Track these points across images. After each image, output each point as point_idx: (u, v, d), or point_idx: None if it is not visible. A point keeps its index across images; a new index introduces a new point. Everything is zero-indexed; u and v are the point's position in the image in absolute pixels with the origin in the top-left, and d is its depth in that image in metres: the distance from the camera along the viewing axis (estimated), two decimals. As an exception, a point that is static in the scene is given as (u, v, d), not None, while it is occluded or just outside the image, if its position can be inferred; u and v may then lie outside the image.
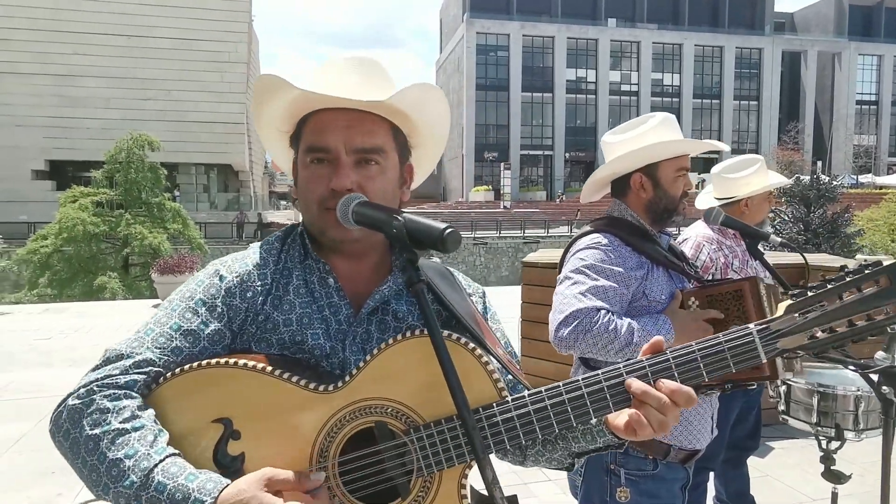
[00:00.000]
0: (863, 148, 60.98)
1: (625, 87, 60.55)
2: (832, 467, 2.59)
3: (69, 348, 7.61)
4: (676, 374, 0.93)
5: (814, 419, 2.56)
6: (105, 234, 18.36)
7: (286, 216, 47.62)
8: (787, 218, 16.88)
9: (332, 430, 0.99)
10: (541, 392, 0.95)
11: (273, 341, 1.07)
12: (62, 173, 36.59)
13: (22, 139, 36.58)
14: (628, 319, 1.75)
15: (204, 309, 1.06)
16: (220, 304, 1.07)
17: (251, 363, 1.00)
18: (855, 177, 52.15)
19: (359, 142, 1.07)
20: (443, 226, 0.88)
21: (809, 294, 0.90)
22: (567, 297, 1.78)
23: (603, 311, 1.75)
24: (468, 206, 46.40)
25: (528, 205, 46.33)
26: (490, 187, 51.25)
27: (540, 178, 59.78)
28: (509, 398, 0.96)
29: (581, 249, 1.87)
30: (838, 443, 2.55)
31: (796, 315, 0.91)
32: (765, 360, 0.93)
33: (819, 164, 50.28)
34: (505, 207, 44.62)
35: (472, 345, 0.97)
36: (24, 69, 36.71)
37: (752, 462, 4.01)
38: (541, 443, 1.11)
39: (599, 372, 0.95)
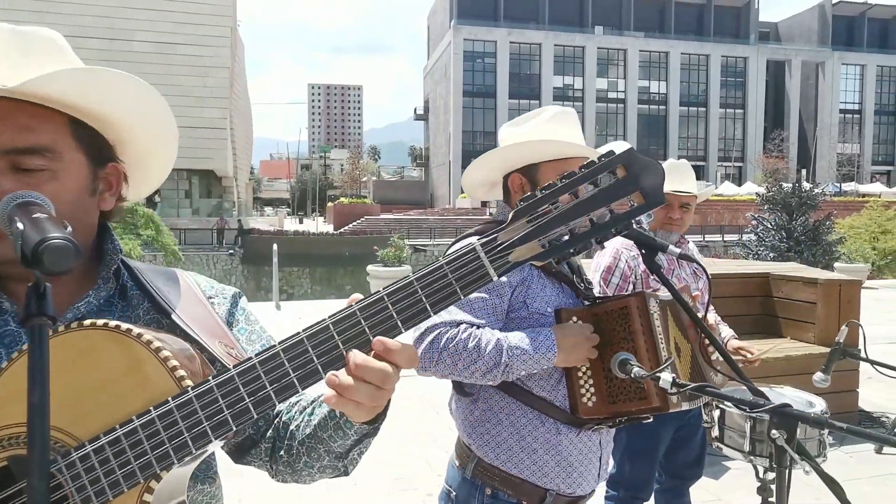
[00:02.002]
0: (846, 156, 61.46)
1: (612, 95, 60.73)
2: (770, 499, 2.34)
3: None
4: (395, 314, 0.74)
5: (747, 447, 2.32)
6: (74, 239, 17.94)
7: (269, 222, 47.26)
8: (769, 226, 16.81)
9: None
10: (229, 371, 0.74)
11: None
12: (40, 178, 36.05)
13: (-2, 143, 36.03)
14: (499, 335, 1.49)
15: None
16: None
17: None
18: (838, 185, 52.48)
19: (9, 140, 0.81)
20: (47, 235, 0.61)
21: (538, 195, 0.76)
22: None
23: (465, 325, 1.49)
24: (455, 212, 46.19)
25: (515, 211, 46.06)
26: (477, 194, 51.01)
27: (527, 185, 59.53)
28: (190, 386, 0.74)
29: None
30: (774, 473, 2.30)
31: (527, 220, 0.76)
32: (496, 276, 0.76)
33: (804, 172, 50.61)
34: (491, 214, 44.30)
35: (141, 333, 0.75)
36: None
37: (706, 484, 3.76)
38: (305, 452, 0.93)
39: (301, 330, 0.75)
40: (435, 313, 0.75)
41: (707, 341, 1.59)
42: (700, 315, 1.72)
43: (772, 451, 1.19)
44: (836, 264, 14.69)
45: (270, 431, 0.98)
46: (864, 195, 43.37)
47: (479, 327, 1.50)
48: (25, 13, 36.07)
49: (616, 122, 61.03)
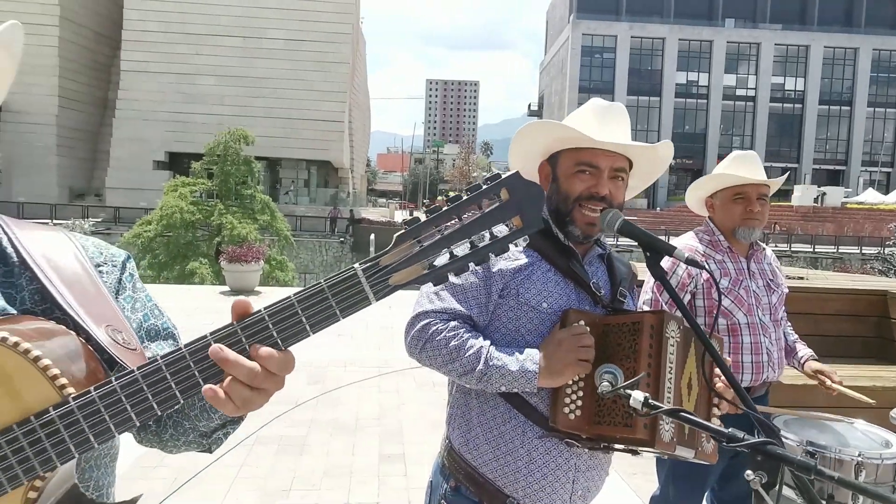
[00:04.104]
0: None
1: (740, 92, 56.74)
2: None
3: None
4: (276, 334, 0.78)
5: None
6: (200, 222, 19.46)
7: (380, 213, 48.77)
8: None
9: None
10: (111, 382, 0.75)
11: None
12: (179, 164, 39.43)
13: (147, 132, 39.92)
14: (483, 343, 1.40)
15: None
16: None
17: None
18: None
19: None
20: None
21: (424, 220, 0.79)
22: (421, 296, 1.50)
23: (456, 322, 1.43)
24: (562, 211, 45.23)
25: (627, 213, 44.22)
26: (588, 193, 49.78)
27: (642, 186, 57.41)
28: (72, 396, 0.74)
29: None
30: (836, 520, 2.01)
31: (413, 243, 0.79)
32: (375, 301, 0.79)
33: (967, 180, 44.56)
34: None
35: (18, 342, 0.73)
36: (153, 68, 40.03)
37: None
38: (172, 426, 0.95)
39: (184, 345, 0.78)
40: (314, 333, 0.78)
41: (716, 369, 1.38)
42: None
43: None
44: None
45: None
46: None
47: (469, 328, 1.44)
48: (172, 13, 39.62)
49: (744, 121, 57.00)
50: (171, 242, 19.30)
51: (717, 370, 1.42)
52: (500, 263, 1.46)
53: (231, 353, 0.76)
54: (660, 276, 1.33)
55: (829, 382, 2.36)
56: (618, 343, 1.36)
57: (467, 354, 1.38)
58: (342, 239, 34.27)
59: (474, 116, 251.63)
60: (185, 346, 0.77)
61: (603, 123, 1.51)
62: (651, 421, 1.22)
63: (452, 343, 1.39)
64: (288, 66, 40.81)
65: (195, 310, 9.20)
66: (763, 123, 55.93)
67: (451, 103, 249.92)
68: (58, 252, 0.93)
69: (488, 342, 1.41)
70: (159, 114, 40.09)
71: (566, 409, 1.35)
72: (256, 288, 11.40)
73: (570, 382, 1.36)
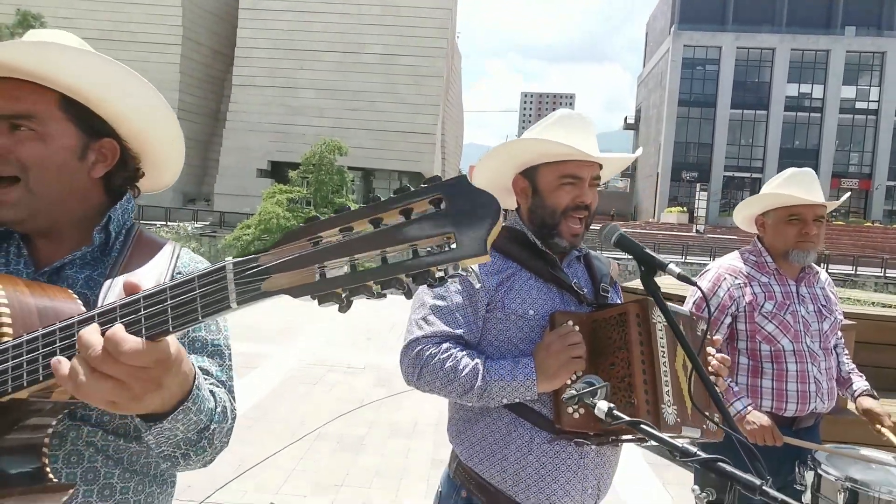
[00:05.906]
0: None
1: (860, 105, 52.50)
2: None
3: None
4: (143, 312, 0.72)
5: (838, 520, 1.93)
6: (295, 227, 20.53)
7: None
8: None
9: None
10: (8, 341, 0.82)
11: None
12: (280, 173, 41.65)
13: (252, 142, 42.50)
14: (477, 360, 1.43)
15: None
16: None
17: None
18: None
19: (1, 107, 0.99)
20: None
21: (328, 217, 0.62)
22: (410, 324, 1.54)
23: (448, 344, 1.45)
24: (658, 227, 43.69)
25: (727, 231, 42.22)
26: (685, 209, 47.86)
27: (744, 203, 54.34)
28: None
29: None
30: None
31: (305, 243, 0.63)
32: (236, 306, 0.67)
33: None
34: (698, 232, 41.24)
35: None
36: (259, 82, 42.66)
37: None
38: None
39: (59, 322, 0.78)
40: (175, 330, 0.71)
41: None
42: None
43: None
44: None
45: None
46: None
47: (460, 347, 1.46)
48: (279, 31, 42.06)
49: (864, 136, 52.75)
50: (267, 245, 20.47)
51: (710, 350, 1.47)
52: (476, 284, 1.45)
53: (90, 332, 0.72)
54: (652, 290, 1.32)
55: (880, 427, 2.22)
56: (608, 336, 1.39)
57: (464, 374, 1.40)
58: (429, 248, 34.86)
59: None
60: (77, 315, 0.78)
61: (576, 133, 1.53)
62: (653, 406, 1.24)
63: (448, 364, 1.42)
64: (383, 80, 42.20)
65: (273, 308, 9.71)
66: (887, 138, 51.49)
67: (546, 115, 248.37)
68: (152, 260, 1.07)
69: (483, 358, 1.44)
70: (264, 125, 42.62)
71: (570, 409, 1.36)
72: (339, 292, 11.86)
73: (569, 382, 1.38)
